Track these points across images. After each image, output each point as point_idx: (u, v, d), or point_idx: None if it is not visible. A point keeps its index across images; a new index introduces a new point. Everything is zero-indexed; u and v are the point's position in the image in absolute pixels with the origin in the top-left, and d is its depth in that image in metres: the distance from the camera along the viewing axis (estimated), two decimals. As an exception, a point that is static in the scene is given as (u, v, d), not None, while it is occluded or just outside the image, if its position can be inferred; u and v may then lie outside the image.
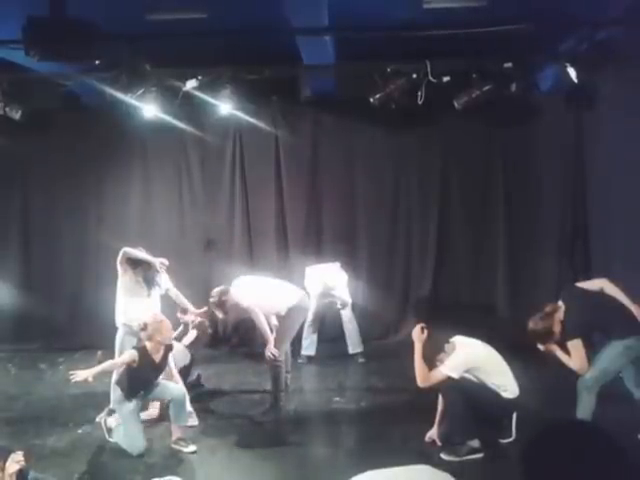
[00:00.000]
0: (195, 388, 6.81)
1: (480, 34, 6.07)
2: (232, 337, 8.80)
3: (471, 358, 5.36)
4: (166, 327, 5.71)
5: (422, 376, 5.22)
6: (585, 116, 8.28)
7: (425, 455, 5.17)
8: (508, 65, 6.86)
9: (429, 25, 6.26)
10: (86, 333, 8.55)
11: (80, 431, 6.00)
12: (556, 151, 8.71)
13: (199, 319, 7.01)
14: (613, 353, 5.13)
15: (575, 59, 6.65)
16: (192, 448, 5.58)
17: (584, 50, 6.47)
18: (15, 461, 4.12)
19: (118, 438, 5.64)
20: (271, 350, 6.28)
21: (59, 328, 8.86)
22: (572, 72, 6.72)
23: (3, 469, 4.08)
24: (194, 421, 6.07)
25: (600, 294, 5.35)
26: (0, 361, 8.30)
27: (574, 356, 5.09)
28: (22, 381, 7.69)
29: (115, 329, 6.34)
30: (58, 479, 4.70)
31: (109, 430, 5.78)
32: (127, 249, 6.25)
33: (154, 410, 6.16)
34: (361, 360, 8.08)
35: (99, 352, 7.30)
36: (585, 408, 5.13)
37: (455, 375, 5.23)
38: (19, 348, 8.66)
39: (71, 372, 5.34)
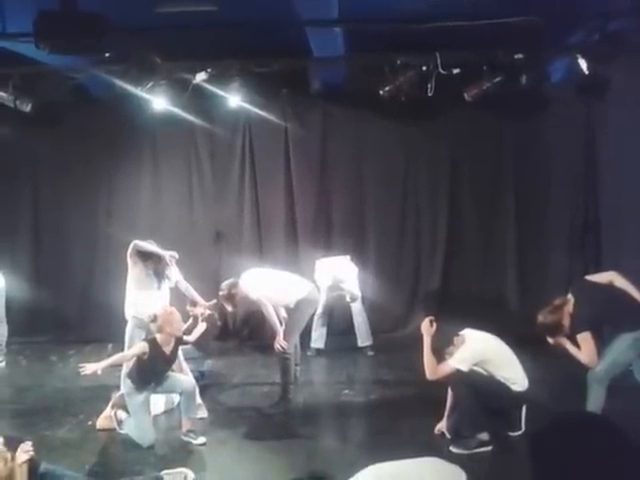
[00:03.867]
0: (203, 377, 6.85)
1: (490, 26, 6.03)
2: (241, 330, 8.81)
3: (480, 351, 5.34)
4: (176, 319, 5.71)
5: (431, 369, 5.22)
6: (596, 108, 8.22)
7: (434, 448, 5.16)
8: (519, 57, 6.82)
9: (439, 17, 6.22)
10: (96, 326, 8.58)
11: (91, 423, 6.02)
12: (567, 143, 8.64)
13: (208, 312, 7.02)
14: (623, 346, 5.11)
15: (586, 50, 6.60)
16: (202, 440, 5.59)
17: (595, 41, 6.42)
18: (24, 451, 4.14)
19: (128, 430, 5.67)
20: (280, 342, 6.28)
21: (69, 321, 8.93)
22: (583, 63, 6.68)
23: (13, 459, 4.10)
24: (203, 413, 6.08)
25: (609, 287, 5.32)
26: (11, 353, 8.32)
27: (584, 349, 5.06)
28: (33, 373, 7.75)
29: (125, 322, 6.37)
30: (69, 470, 4.72)
31: (119, 422, 5.81)
32: (137, 242, 6.26)
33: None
34: (370, 353, 8.08)
35: (109, 346, 7.38)
36: (595, 401, 5.12)
37: (464, 368, 5.22)
38: (30, 340, 8.70)
39: (80, 365, 5.37)
